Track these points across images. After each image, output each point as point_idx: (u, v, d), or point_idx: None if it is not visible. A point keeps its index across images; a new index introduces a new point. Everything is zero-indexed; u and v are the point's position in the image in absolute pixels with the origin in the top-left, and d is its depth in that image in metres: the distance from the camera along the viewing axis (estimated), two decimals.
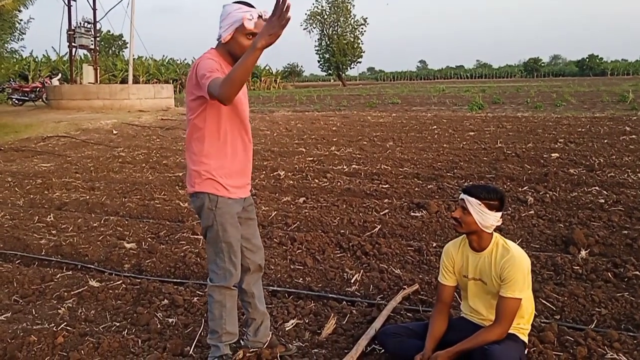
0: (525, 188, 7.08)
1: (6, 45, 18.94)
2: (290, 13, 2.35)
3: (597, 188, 6.94)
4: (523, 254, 2.89)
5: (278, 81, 61.43)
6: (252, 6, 2.79)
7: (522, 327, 2.92)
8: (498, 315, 2.82)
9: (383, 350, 3.18)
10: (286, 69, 77.43)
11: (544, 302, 3.77)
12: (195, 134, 2.87)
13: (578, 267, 4.37)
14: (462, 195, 2.96)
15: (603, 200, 6.32)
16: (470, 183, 7.16)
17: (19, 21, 19.61)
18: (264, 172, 8.62)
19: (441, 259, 3.16)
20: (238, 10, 2.74)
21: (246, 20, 2.70)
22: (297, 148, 11.22)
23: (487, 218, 2.88)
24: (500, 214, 2.93)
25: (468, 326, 3.00)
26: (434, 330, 2.98)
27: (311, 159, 9.85)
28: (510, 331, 2.84)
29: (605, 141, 10.78)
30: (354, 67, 76.91)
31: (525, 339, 2.96)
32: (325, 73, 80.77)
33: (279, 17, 2.33)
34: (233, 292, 3.02)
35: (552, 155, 9.28)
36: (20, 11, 17.92)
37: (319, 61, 72.95)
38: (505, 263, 2.84)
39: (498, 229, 3.00)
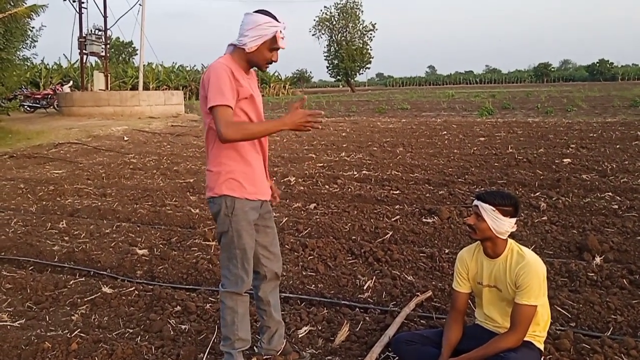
0: (537, 194, 7.04)
1: (18, 52, 19.03)
2: (318, 122, 2.80)
3: (610, 194, 6.89)
4: (538, 260, 2.87)
5: (287, 87, 61.58)
6: (276, 17, 2.82)
7: (537, 334, 2.90)
8: (513, 322, 2.79)
9: (397, 358, 3.15)
10: (295, 75, 77.72)
11: (559, 309, 3.73)
12: (213, 138, 2.88)
13: (593, 274, 4.33)
14: (476, 202, 2.94)
15: (617, 206, 6.27)
16: (483, 189, 7.12)
17: (31, 29, 19.73)
18: (274, 178, 8.62)
19: (455, 266, 3.14)
20: (269, 24, 2.78)
21: (279, 40, 2.82)
22: (307, 154, 11.22)
23: (501, 224, 2.86)
24: (514, 220, 2.90)
25: (483, 334, 2.98)
26: (449, 338, 2.95)
27: (321, 165, 9.85)
28: (525, 339, 2.81)
29: (618, 146, 10.71)
30: (362, 73, 76.99)
31: (541, 347, 2.93)
32: (334, 79, 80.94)
33: (309, 118, 2.74)
34: (245, 299, 3.02)
35: (564, 160, 9.22)
36: (32, 19, 18.04)
37: (327, 67, 73.23)
38: (521, 270, 2.81)
39: (511, 236, 2.98)
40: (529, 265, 2.81)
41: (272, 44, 2.82)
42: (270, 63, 2.90)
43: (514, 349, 2.74)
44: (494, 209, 2.85)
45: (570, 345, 3.19)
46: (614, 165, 8.66)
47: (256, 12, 2.83)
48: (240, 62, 2.86)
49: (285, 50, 2.96)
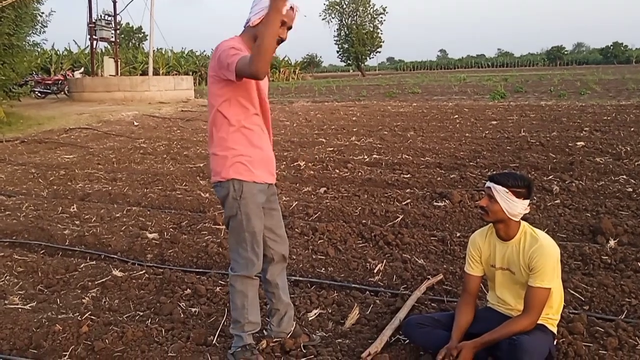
0: (550, 177, 6.96)
1: (28, 38, 19.01)
2: None
3: (624, 177, 6.80)
4: (552, 243, 2.82)
5: (297, 72, 61.34)
6: None
7: (551, 317, 2.86)
8: (527, 305, 2.76)
9: (408, 341, 3.13)
10: (305, 60, 77.19)
11: (573, 292, 3.69)
12: (221, 121, 2.85)
13: (607, 257, 4.27)
14: (489, 183, 2.89)
15: (631, 189, 6.18)
16: (495, 172, 7.05)
17: (41, 14, 19.70)
18: (284, 162, 8.59)
19: (467, 248, 3.10)
20: None
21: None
22: (317, 138, 11.17)
23: (514, 206, 2.81)
24: (527, 201, 2.86)
25: (495, 317, 2.94)
26: (461, 321, 2.92)
27: (331, 149, 9.80)
28: (539, 322, 2.77)
29: (632, 129, 10.56)
30: (373, 57, 76.70)
31: (555, 330, 2.89)
32: (345, 63, 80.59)
33: None
34: (255, 282, 3.01)
35: (578, 143, 9.11)
36: (42, 3, 18.00)
37: (338, 51, 73.01)
38: (534, 252, 2.77)
39: (524, 219, 2.93)
40: (542, 247, 2.77)
41: None
42: (279, 42, 2.80)
43: (527, 332, 2.70)
44: (507, 190, 2.80)
45: (583, 329, 3.15)
46: (629, 148, 8.54)
47: None
48: (248, 42, 2.81)
49: (295, 34, 2.89)
